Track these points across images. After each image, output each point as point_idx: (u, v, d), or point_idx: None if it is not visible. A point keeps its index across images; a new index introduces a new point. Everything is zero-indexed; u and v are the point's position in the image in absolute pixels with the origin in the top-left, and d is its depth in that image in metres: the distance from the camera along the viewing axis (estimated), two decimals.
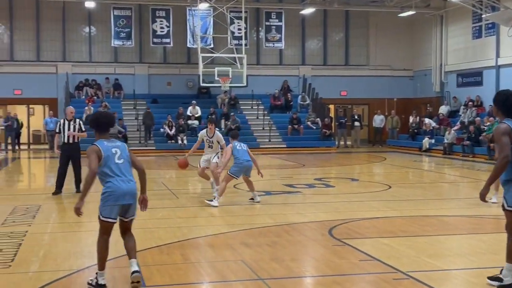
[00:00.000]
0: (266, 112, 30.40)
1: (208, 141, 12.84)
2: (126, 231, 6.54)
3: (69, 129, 13.35)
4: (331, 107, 33.15)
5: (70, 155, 13.45)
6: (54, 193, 13.29)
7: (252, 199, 12.14)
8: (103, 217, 6.25)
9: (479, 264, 7.42)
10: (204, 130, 13.17)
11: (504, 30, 25.80)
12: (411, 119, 29.95)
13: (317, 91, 31.63)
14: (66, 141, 13.42)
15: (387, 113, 31.63)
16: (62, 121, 13.69)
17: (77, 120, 13.78)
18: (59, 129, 13.52)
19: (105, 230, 6.32)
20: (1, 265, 7.30)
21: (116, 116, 24.85)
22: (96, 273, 6.31)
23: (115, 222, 6.34)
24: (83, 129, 13.72)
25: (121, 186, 6.20)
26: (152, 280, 6.62)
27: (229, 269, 7.11)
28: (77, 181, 13.43)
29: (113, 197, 6.17)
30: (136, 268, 6.27)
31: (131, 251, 6.45)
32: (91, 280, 6.36)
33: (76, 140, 13.55)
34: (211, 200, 11.77)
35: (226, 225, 9.93)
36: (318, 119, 29.88)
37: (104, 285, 6.25)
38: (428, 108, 30.09)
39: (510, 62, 26.08)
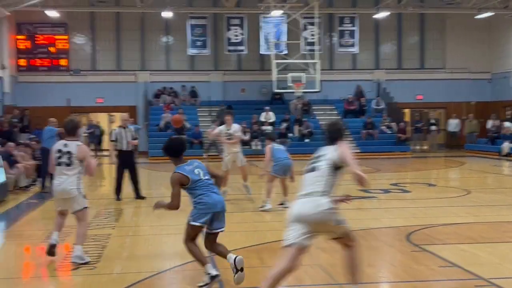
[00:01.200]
0: (339, 117, 30.15)
1: (226, 134, 13.01)
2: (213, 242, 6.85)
3: (126, 137, 13.35)
4: (406, 111, 32.51)
5: (127, 162, 13.43)
6: (116, 199, 13.40)
7: (282, 204, 12.02)
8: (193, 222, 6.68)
9: None
10: (223, 126, 13.32)
11: None
12: (489, 123, 28.97)
13: (392, 95, 31.12)
14: (124, 149, 13.39)
15: (465, 117, 30.74)
16: (117, 129, 13.67)
17: (131, 127, 13.85)
18: (115, 137, 13.45)
19: (194, 235, 6.77)
20: (87, 266, 7.57)
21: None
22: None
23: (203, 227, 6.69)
24: (136, 137, 13.81)
25: (213, 197, 6.68)
26: (230, 284, 6.69)
27: (306, 273, 7.10)
28: (136, 188, 13.54)
29: (206, 207, 6.62)
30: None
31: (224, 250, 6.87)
32: (201, 284, 6.62)
33: (132, 148, 13.56)
34: (263, 206, 11.87)
35: None
36: (393, 123, 29.39)
37: (217, 274, 6.62)
38: (507, 112, 29.04)
39: None
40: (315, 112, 30.58)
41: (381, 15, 29.84)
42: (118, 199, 13.47)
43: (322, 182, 5.74)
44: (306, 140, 28.29)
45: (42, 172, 15.63)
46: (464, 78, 32.02)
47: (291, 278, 6.97)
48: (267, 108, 29.27)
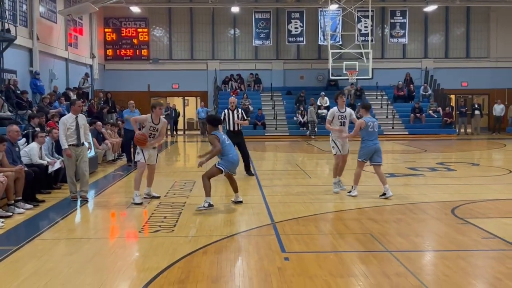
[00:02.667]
0: (389, 102, 29.59)
1: (340, 117, 10.98)
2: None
3: (233, 118, 13.06)
4: (452, 97, 31.58)
5: (236, 141, 12.66)
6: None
7: (385, 194, 9.99)
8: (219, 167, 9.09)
9: None
10: (335, 107, 11.18)
11: None
12: None
13: (439, 82, 30.28)
14: (232, 129, 13.11)
15: (507, 103, 29.61)
16: (226, 111, 13.23)
17: (239, 109, 13.42)
18: (223, 118, 13.06)
19: (213, 175, 9.20)
20: (166, 229, 7.76)
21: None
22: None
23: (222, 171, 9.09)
24: (245, 118, 13.40)
25: (234, 156, 9.24)
26: (291, 247, 6.73)
27: (359, 241, 7.05)
28: (247, 165, 13.23)
29: (229, 161, 9.12)
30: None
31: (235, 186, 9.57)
32: (200, 207, 8.99)
33: (240, 128, 13.22)
34: (350, 191, 10.36)
35: (354, 202, 9.82)
36: (439, 108, 28.61)
37: (213, 205, 9.03)
38: None
39: None
40: (367, 98, 30.10)
41: (430, 8, 28.98)
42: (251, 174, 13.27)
43: None
44: None
45: (126, 148, 16.15)
46: (507, 67, 30.80)
47: (345, 244, 6.96)
48: (323, 93, 29.02)
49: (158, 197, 10.15)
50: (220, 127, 9.70)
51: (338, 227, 8.03)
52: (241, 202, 9.54)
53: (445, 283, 5.35)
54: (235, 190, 9.53)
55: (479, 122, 29.78)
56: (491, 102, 30.83)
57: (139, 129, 9.96)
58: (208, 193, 9.03)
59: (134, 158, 14.50)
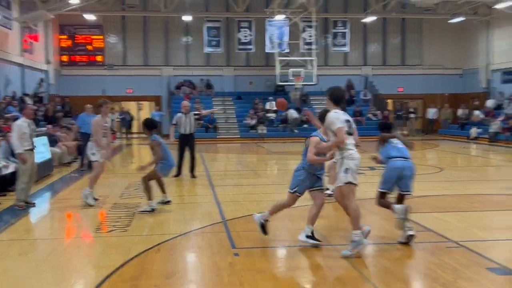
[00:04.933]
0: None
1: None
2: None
3: (186, 122, 12.71)
4: (389, 101, 32.37)
5: (187, 144, 12.77)
6: (175, 176, 12.49)
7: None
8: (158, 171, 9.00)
9: None
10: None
11: None
12: (460, 111, 28.87)
13: (377, 88, 30.98)
14: (185, 132, 12.78)
15: (439, 106, 30.62)
16: (179, 114, 12.88)
17: (191, 113, 13.11)
18: (176, 121, 12.87)
19: (154, 178, 9.04)
20: (120, 229, 7.63)
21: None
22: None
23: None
24: (199, 113, 13.33)
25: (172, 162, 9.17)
26: (241, 243, 6.74)
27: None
28: (192, 167, 12.83)
29: (168, 164, 9.11)
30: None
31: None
32: (142, 210, 8.70)
33: (192, 132, 12.87)
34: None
35: (300, 199, 9.89)
36: (378, 111, 29.29)
37: (155, 209, 8.64)
38: (475, 102, 28.88)
39: None
40: (312, 102, 30.51)
41: (369, 19, 29.60)
42: (177, 175, 12.66)
43: None
44: (305, 126, 28.28)
45: (81, 151, 15.74)
46: (438, 74, 31.83)
47: (291, 240, 7.03)
48: (271, 98, 29.24)
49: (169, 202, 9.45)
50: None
51: (287, 224, 8.10)
52: (169, 202, 9.28)
53: (384, 273, 5.48)
54: (164, 191, 9.27)
55: (414, 125, 30.67)
56: (425, 106, 31.79)
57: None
58: (150, 197, 8.75)
59: (87, 159, 14.17)
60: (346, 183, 6.03)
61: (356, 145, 6.28)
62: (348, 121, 6.09)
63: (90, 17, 27.94)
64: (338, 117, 6.01)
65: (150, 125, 9.08)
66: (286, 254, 6.50)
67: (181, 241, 7.00)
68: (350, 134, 6.03)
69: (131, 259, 6.05)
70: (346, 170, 6.00)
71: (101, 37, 30.53)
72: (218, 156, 20.58)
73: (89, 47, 30.50)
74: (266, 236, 7.08)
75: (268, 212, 6.84)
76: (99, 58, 30.62)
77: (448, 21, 29.34)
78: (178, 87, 30.77)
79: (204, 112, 13.13)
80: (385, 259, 6.03)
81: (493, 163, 17.98)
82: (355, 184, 6.06)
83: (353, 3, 30.33)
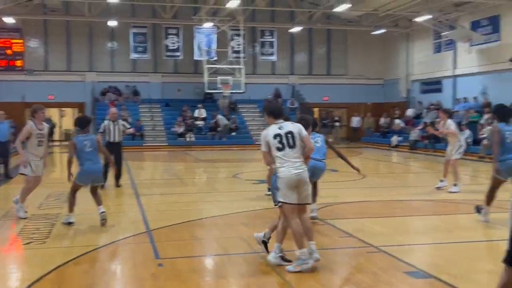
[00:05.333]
0: (261, 114, 30.38)
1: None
2: None
3: (114, 130, 12.32)
4: (316, 110, 33.10)
5: (114, 152, 11.88)
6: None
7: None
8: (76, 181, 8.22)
9: (440, 239, 7.45)
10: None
11: (459, 45, 25.82)
12: (382, 120, 30.00)
13: (304, 97, 31.62)
14: (112, 140, 12.33)
15: (363, 115, 31.66)
16: (106, 122, 12.48)
17: (120, 121, 12.77)
18: (103, 129, 12.41)
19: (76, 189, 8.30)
20: (38, 241, 7.30)
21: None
22: None
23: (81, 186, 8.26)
24: (127, 127, 12.84)
25: (90, 166, 8.22)
26: (165, 253, 6.63)
27: (230, 244, 7.12)
28: (117, 176, 12.43)
29: (86, 173, 8.18)
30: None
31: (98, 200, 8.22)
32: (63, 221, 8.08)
33: (120, 140, 12.50)
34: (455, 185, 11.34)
35: (228, 207, 9.92)
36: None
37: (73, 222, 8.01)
38: (396, 111, 30.11)
39: (464, 73, 26.12)
40: (240, 110, 30.70)
41: (295, 29, 30.20)
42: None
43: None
44: (233, 133, 28.41)
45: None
46: (362, 83, 32.91)
47: (218, 248, 7.01)
48: (199, 105, 29.17)
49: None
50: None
51: (212, 232, 8.06)
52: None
53: (307, 279, 5.56)
54: (98, 203, 8.25)
55: (339, 133, 31.54)
56: (349, 115, 32.78)
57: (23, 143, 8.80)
58: (70, 209, 8.21)
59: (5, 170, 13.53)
60: (279, 202, 5.78)
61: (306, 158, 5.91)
62: (278, 135, 5.73)
63: (9, 20, 26.74)
64: (265, 137, 5.76)
65: (76, 123, 8.48)
66: (212, 263, 6.46)
67: (103, 252, 6.79)
68: (280, 149, 5.68)
69: (49, 272, 5.79)
70: (277, 189, 5.77)
71: (21, 41, 29.29)
72: (144, 165, 20.22)
73: (8, 51, 29.16)
74: (191, 245, 7.01)
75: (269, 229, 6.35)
76: (18, 62, 29.33)
77: (371, 33, 30.46)
78: (103, 94, 30.01)
79: (128, 131, 12.75)
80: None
81: (413, 170, 18.77)
82: (288, 203, 5.70)
83: (280, 13, 30.84)
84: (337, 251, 6.80)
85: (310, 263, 5.66)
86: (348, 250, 6.83)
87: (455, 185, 11.58)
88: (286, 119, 6.22)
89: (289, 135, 5.73)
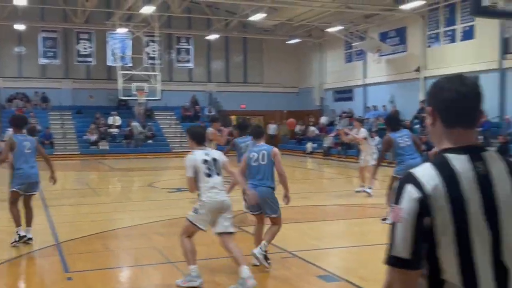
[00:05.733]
0: (178, 122, 30.12)
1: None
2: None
3: None
4: (233, 117, 33.27)
5: None
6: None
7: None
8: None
9: (351, 243, 7.71)
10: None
11: (369, 56, 26.95)
12: (297, 127, 30.69)
13: (221, 104, 31.71)
14: None
15: (279, 123, 32.23)
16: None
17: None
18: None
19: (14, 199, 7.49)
20: None
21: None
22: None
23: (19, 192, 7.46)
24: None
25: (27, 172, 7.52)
26: (75, 266, 6.38)
27: (143, 255, 6.98)
28: None
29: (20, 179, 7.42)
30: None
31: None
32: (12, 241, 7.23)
33: None
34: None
35: (141, 217, 9.72)
36: (222, 127, 29.88)
37: (25, 236, 7.30)
38: (310, 119, 30.91)
39: (374, 82, 27.29)
40: (157, 117, 30.27)
41: (212, 37, 30.26)
42: None
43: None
44: (149, 141, 27.95)
45: None
46: (278, 91, 33.50)
47: (130, 259, 6.84)
48: (113, 113, 28.45)
49: None
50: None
51: (125, 243, 7.87)
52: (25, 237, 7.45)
53: (221, 287, 5.55)
54: (27, 222, 7.46)
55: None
56: (266, 122, 33.24)
57: None
58: (16, 223, 7.37)
59: None
60: (188, 219, 5.69)
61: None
62: (206, 161, 5.60)
63: None
64: (193, 162, 5.64)
65: (12, 122, 7.70)
66: (124, 275, 6.30)
67: (7, 267, 6.42)
68: (208, 176, 5.57)
69: None
70: (195, 210, 5.67)
71: None
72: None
73: None
74: (103, 257, 6.80)
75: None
76: None
77: (286, 42, 31.12)
78: (9, 100, 28.51)
79: None
80: (222, 272, 6.11)
81: (326, 176, 19.33)
82: (197, 226, 5.64)
83: (197, 20, 30.77)
84: (250, 258, 6.84)
85: (198, 282, 5.56)
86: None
87: (370, 188, 12.17)
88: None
89: (215, 162, 5.70)
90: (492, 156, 1.79)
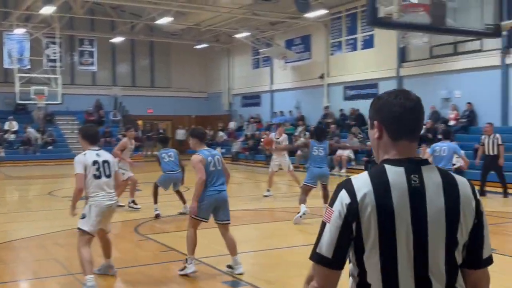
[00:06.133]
0: (80, 127, 28.99)
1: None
2: None
3: None
4: (140, 122, 32.64)
5: None
6: None
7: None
8: None
9: (257, 247, 7.80)
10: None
11: (276, 62, 27.51)
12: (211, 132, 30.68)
13: (127, 109, 30.99)
14: None
15: (187, 128, 32.01)
16: None
17: None
18: None
19: None
20: None
21: None
22: None
23: None
24: None
25: None
26: None
27: (41, 267, 6.65)
28: None
29: None
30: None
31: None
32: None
33: None
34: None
35: (40, 228, 9.26)
36: (126, 131, 29.21)
37: None
38: (219, 124, 31.00)
39: (281, 88, 27.89)
40: (58, 122, 29.01)
41: (117, 39, 29.53)
42: None
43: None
44: (49, 147, 26.72)
45: None
46: (186, 96, 33.31)
47: (28, 272, 6.50)
48: (10, 117, 26.89)
49: None
50: None
51: (22, 255, 7.46)
52: None
53: None
54: None
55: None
56: (174, 127, 32.93)
57: None
58: None
59: None
60: (78, 228, 5.59)
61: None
62: (97, 162, 5.56)
63: None
64: (83, 161, 5.53)
65: None
66: None
67: None
68: (97, 177, 5.53)
69: None
70: (83, 215, 5.61)
71: None
72: None
73: None
74: None
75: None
76: None
77: (194, 47, 31.03)
78: None
79: None
80: (126, 282, 5.97)
81: (235, 181, 19.38)
82: (87, 232, 5.54)
83: (100, 22, 29.88)
84: (158, 266, 6.75)
85: None
86: (169, 264, 6.82)
87: (268, 191, 12.96)
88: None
89: (106, 164, 5.65)
90: (430, 170, 1.84)
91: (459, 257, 1.84)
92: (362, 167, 19.23)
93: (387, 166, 1.83)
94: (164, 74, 33.53)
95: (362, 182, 1.80)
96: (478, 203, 1.85)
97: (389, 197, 1.77)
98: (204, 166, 6.14)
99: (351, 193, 1.78)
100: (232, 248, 6.30)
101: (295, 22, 25.17)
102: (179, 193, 10.55)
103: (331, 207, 1.81)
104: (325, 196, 9.63)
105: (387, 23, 6.43)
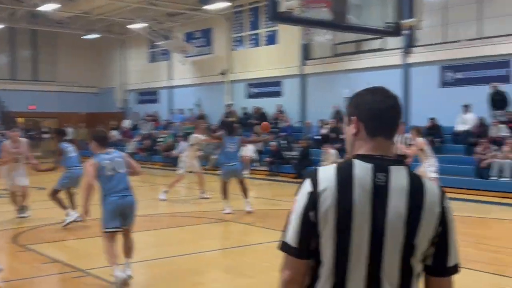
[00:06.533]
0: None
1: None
2: None
3: None
4: (20, 120, 30.97)
5: None
6: None
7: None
8: None
9: (150, 256, 7.67)
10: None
11: (175, 56, 27.27)
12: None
13: (6, 104, 29.30)
14: None
15: (76, 126, 30.88)
16: None
17: None
18: None
19: None
20: None
21: None
22: None
23: None
24: None
25: None
26: None
27: None
28: None
29: None
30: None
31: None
32: None
33: None
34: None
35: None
36: (6, 131, 27.67)
37: None
38: (112, 122, 30.19)
39: (180, 84, 27.70)
40: None
41: None
42: None
43: None
44: None
45: None
46: (74, 91, 32.13)
47: None
48: None
49: None
50: None
51: None
52: None
53: None
54: None
55: (50, 145, 30.11)
56: (61, 125, 31.59)
57: None
58: None
59: None
60: None
61: None
62: None
63: None
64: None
65: None
66: None
67: None
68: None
69: None
70: None
71: None
72: None
73: None
74: None
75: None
76: None
77: (82, 37, 29.96)
78: None
79: None
80: None
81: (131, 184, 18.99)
82: None
83: None
84: (41, 279, 6.44)
85: None
86: (53, 277, 6.54)
87: (165, 192, 13.08)
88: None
89: None
90: (399, 171, 1.88)
91: (417, 265, 1.89)
92: (266, 168, 19.59)
93: (356, 161, 1.89)
94: (49, 67, 32.09)
95: (327, 174, 1.87)
96: (444, 211, 1.89)
97: (350, 192, 1.83)
98: (97, 170, 5.88)
99: (314, 182, 1.86)
100: (127, 249, 6.24)
101: (195, 14, 25.11)
102: (71, 195, 10.04)
103: (296, 196, 1.89)
104: (244, 190, 10.81)
105: (288, 18, 6.58)
